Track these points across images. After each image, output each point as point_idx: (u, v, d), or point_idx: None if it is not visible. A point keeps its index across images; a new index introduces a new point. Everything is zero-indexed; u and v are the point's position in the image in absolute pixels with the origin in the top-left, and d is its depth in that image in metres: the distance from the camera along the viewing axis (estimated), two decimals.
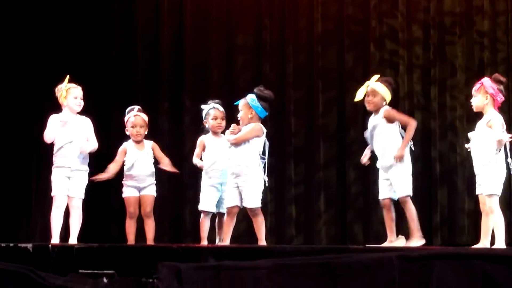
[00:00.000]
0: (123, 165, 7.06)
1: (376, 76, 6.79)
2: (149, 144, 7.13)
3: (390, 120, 6.55)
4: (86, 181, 6.97)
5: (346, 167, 8.65)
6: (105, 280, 4.30)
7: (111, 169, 7.03)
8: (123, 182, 7.07)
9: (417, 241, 6.36)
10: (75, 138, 6.90)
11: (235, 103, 6.82)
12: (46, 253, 4.77)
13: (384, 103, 6.63)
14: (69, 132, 6.91)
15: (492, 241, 6.12)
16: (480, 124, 6.31)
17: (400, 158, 6.46)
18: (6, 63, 8.74)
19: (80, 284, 4.25)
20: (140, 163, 7.03)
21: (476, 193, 6.37)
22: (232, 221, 6.67)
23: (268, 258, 4.31)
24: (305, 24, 8.89)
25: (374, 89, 6.64)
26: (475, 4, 8.68)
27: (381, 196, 6.64)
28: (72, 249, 4.82)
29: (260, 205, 6.62)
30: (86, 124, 7.07)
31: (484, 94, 6.30)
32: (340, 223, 8.63)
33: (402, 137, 6.53)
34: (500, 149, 6.17)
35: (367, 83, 6.70)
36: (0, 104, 8.68)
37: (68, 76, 6.98)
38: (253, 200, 6.60)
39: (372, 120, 6.66)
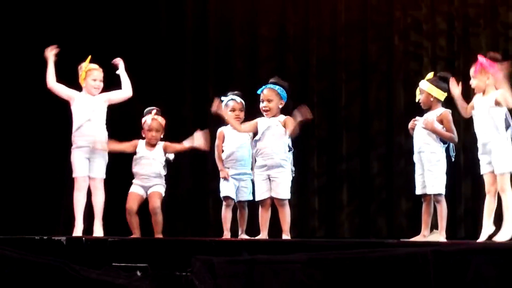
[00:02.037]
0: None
1: (431, 74, 6.82)
2: (160, 145, 7.06)
3: (442, 122, 6.59)
4: (107, 161, 6.94)
5: (369, 159, 8.63)
6: (138, 273, 4.31)
7: (112, 145, 6.97)
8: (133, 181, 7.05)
9: (439, 238, 6.44)
10: (93, 117, 6.86)
11: (258, 91, 6.77)
12: (79, 245, 4.78)
13: (432, 99, 6.65)
14: (87, 111, 6.87)
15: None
16: (484, 103, 6.30)
17: (427, 125, 6.52)
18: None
19: (114, 278, 4.26)
20: (147, 162, 6.99)
21: (482, 172, 6.36)
22: (267, 213, 6.66)
23: (302, 252, 4.30)
24: (329, 15, 8.84)
25: (420, 87, 6.72)
26: None
27: (417, 192, 6.69)
28: (106, 241, 4.83)
29: (289, 196, 6.63)
30: (105, 97, 7.00)
31: (485, 75, 6.31)
32: (363, 215, 8.61)
33: (442, 141, 6.60)
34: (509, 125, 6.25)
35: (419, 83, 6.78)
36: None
37: (90, 57, 6.96)
38: (284, 191, 6.61)
39: (426, 115, 6.69)
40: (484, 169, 6.36)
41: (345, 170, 8.67)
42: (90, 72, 6.94)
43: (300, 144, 8.25)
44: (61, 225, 8.41)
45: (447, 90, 6.78)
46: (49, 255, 4.31)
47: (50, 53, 7.00)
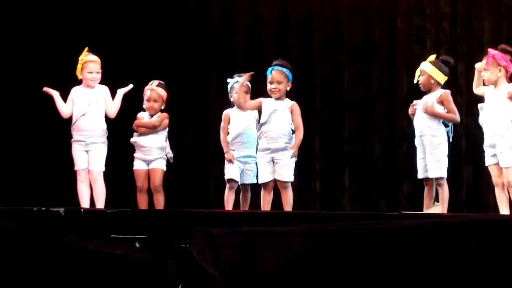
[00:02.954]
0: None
1: (433, 56, 6.83)
2: (161, 116, 7.14)
3: (442, 103, 6.57)
4: (105, 153, 6.94)
5: (372, 142, 8.60)
6: (137, 245, 4.29)
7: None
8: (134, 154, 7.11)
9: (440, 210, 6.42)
10: (88, 110, 6.87)
11: (268, 73, 6.72)
12: (78, 217, 4.75)
13: (433, 81, 6.65)
14: (83, 105, 6.88)
15: None
16: (496, 96, 6.32)
17: (428, 110, 6.52)
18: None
19: (113, 249, 4.24)
20: (148, 133, 7.05)
21: (487, 164, 6.42)
22: (269, 195, 6.66)
23: (302, 224, 4.28)
24: None
25: (422, 69, 6.71)
26: None
27: (419, 176, 6.68)
28: (104, 213, 4.81)
29: (292, 179, 6.64)
30: (103, 93, 7.00)
31: (497, 67, 6.37)
32: (365, 199, 8.57)
33: (444, 123, 6.62)
34: None
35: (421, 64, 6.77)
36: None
37: (86, 48, 6.96)
38: (288, 173, 6.62)
39: (425, 98, 6.68)
40: (488, 161, 6.40)
41: (347, 153, 8.64)
42: (86, 65, 6.91)
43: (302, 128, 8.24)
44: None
45: (448, 74, 6.77)
46: (48, 226, 4.28)
47: (52, 91, 6.98)
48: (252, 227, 4.32)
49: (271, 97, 6.70)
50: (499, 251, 3.89)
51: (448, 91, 6.68)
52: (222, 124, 7.03)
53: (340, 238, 4.14)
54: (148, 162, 7.05)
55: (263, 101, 6.69)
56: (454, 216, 4.38)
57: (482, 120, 6.46)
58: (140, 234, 4.41)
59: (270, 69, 6.74)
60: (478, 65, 6.62)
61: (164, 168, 7.11)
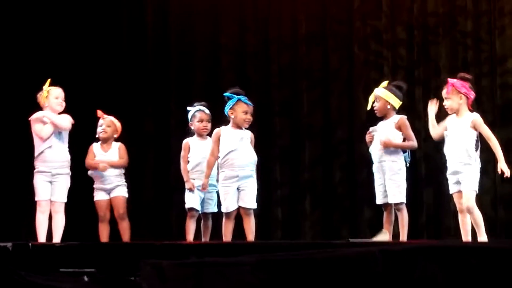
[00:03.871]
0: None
1: (385, 82, 6.85)
2: (117, 145, 7.18)
3: (400, 128, 6.61)
4: (68, 185, 6.92)
5: (332, 168, 8.63)
6: (86, 278, 4.26)
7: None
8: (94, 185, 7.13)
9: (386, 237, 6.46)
10: (54, 143, 6.84)
11: (249, 103, 6.70)
12: (26, 251, 4.71)
13: (389, 106, 6.67)
14: (50, 136, 6.84)
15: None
16: (458, 124, 6.34)
17: (387, 144, 6.52)
18: None
19: (61, 283, 4.21)
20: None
21: (451, 192, 6.44)
22: (232, 223, 6.62)
23: (251, 254, 4.27)
24: (289, 24, 8.87)
25: (377, 95, 6.71)
26: (458, 4, 8.67)
27: (378, 201, 6.69)
28: (53, 247, 4.77)
29: (256, 206, 6.66)
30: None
31: (457, 95, 6.37)
32: (327, 225, 8.59)
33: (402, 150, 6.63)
34: (478, 148, 6.30)
35: (374, 90, 6.78)
36: None
37: (49, 80, 6.94)
38: (252, 200, 6.61)
39: (382, 124, 6.70)
40: (452, 189, 6.42)
41: (308, 179, 8.66)
42: (52, 91, 6.90)
43: (262, 154, 8.24)
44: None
45: (402, 99, 6.82)
46: None
47: None
48: (201, 259, 4.31)
49: (227, 125, 6.69)
50: (445, 278, 3.92)
51: (404, 117, 6.72)
52: (182, 153, 7.03)
53: (290, 268, 4.14)
54: (109, 191, 7.07)
55: (222, 130, 6.69)
56: (400, 244, 4.40)
57: (446, 148, 6.48)
58: (89, 268, 4.39)
59: (244, 99, 6.69)
60: (431, 112, 6.60)
61: (126, 195, 7.14)
